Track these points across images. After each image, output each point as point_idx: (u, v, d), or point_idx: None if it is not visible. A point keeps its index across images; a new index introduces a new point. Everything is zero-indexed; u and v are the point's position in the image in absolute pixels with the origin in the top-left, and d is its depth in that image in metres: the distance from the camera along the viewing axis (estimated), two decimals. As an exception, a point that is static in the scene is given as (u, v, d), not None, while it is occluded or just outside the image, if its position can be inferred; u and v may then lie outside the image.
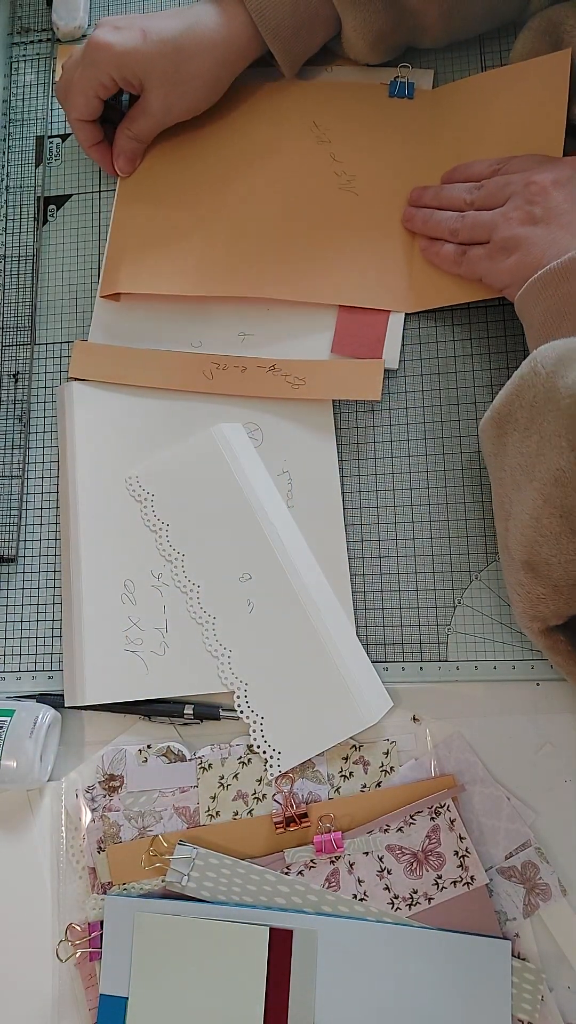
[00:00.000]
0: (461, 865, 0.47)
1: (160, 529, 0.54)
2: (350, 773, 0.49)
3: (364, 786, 0.49)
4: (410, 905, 0.47)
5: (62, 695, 0.53)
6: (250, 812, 0.50)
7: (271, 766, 0.49)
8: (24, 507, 0.58)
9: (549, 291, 0.44)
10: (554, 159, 0.49)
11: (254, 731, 0.50)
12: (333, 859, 0.48)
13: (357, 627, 0.52)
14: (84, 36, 0.65)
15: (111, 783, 0.51)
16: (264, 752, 0.50)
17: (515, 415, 0.43)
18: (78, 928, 0.49)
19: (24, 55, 0.66)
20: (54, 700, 0.53)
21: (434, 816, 0.48)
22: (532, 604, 0.44)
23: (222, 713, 0.51)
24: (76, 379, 0.58)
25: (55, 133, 0.65)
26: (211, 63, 0.55)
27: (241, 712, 0.50)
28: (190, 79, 0.55)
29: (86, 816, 0.51)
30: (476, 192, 0.51)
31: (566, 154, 0.52)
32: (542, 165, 0.49)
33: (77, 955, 0.49)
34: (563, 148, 0.52)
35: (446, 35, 0.56)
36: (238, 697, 0.51)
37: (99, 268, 0.60)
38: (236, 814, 0.50)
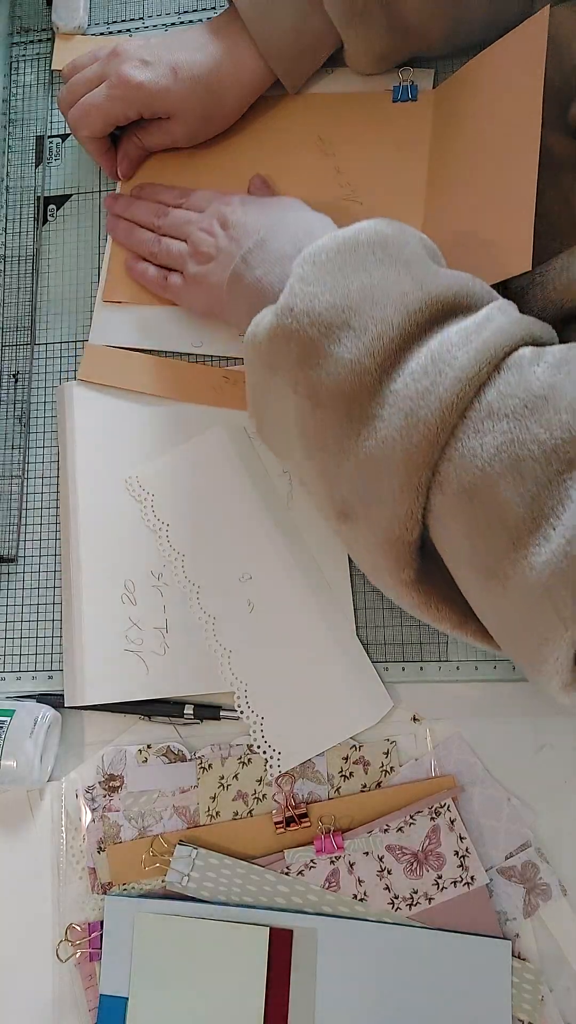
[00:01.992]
0: (461, 865, 0.47)
1: (160, 530, 0.54)
2: (350, 773, 0.49)
3: (364, 786, 0.49)
4: (410, 905, 0.47)
5: (62, 695, 0.53)
6: (250, 812, 0.50)
7: (271, 766, 0.49)
8: (24, 507, 0.58)
9: (238, 304, 0.49)
10: (221, 196, 0.54)
11: (254, 731, 0.50)
12: (333, 859, 0.48)
13: (357, 627, 0.52)
14: (84, 35, 0.65)
15: (111, 783, 0.51)
16: (264, 752, 0.50)
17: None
18: (78, 928, 0.49)
19: (24, 55, 0.66)
20: (54, 700, 0.53)
21: (434, 816, 0.48)
22: (364, 555, 0.43)
23: (222, 713, 0.51)
24: (83, 381, 0.58)
25: (55, 133, 0.65)
26: (236, 101, 0.57)
27: (241, 712, 0.50)
28: (217, 115, 0.57)
29: (86, 816, 0.51)
30: (164, 218, 0.56)
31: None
32: (214, 202, 0.53)
33: (77, 955, 0.49)
34: (541, 115, 0.49)
35: (448, 47, 0.57)
36: (238, 697, 0.51)
37: (99, 268, 0.60)
38: (236, 814, 0.50)
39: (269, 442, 0.48)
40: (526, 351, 0.38)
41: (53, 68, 0.65)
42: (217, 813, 0.50)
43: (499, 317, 0.39)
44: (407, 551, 0.41)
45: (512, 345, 0.38)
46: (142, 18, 0.65)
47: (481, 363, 0.37)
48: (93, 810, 0.51)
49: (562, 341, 0.49)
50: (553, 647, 0.35)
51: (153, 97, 0.54)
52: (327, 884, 0.48)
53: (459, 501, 0.37)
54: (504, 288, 0.54)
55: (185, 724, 0.52)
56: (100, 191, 0.62)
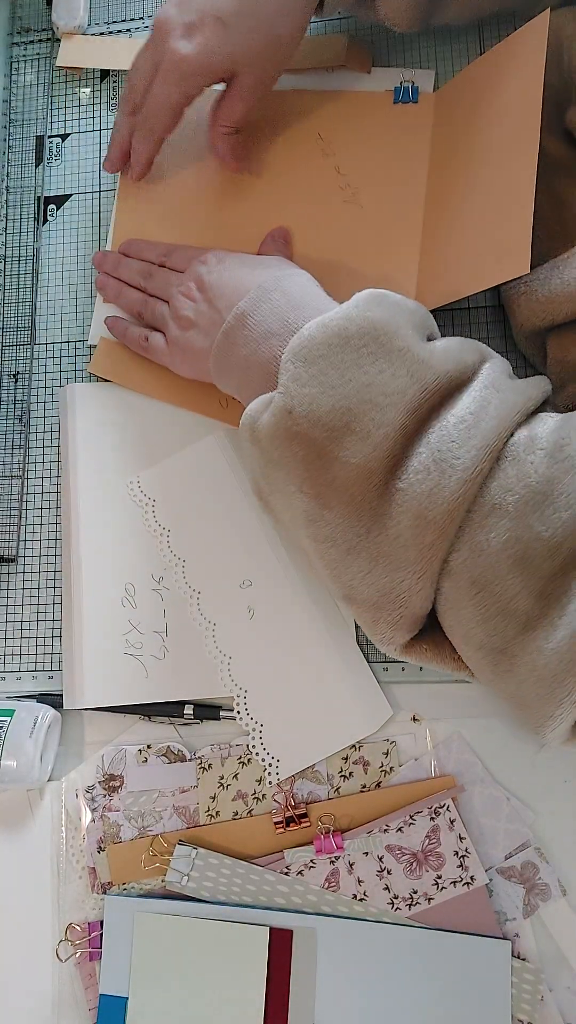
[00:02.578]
0: (461, 865, 0.47)
1: (161, 535, 0.54)
2: (350, 773, 0.49)
3: (364, 786, 0.49)
4: (410, 905, 0.47)
5: (62, 695, 0.53)
6: (250, 812, 0.50)
7: (269, 774, 0.49)
8: (24, 507, 0.58)
9: (227, 377, 0.49)
10: (200, 254, 0.52)
11: (253, 739, 0.50)
12: (333, 859, 0.48)
13: (357, 628, 0.52)
14: (84, 35, 0.65)
15: (111, 783, 0.51)
16: (263, 760, 0.50)
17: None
18: (78, 928, 0.49)
19: (24, 55, 0.66)
20: (54, 700, 0.53)
21: (434, 816, 0.48)
22: (371, 629, 0.44)
23: (222, 713, 0.51)
24: (91, 376, 0.58)
25: (55, 133, 0.65)
26: (290, 28, 0.52)
27: (240, 719, 0.50)
28: (276, 50, 0.52)
29: (86, 816, 0.51)
30: (150, 279, 0.55)
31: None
32: (193, 261, 0.52)
33: (77, 955, 0.49)
34: (540, 120, 0.48)
35: (471, 9, 0.55)
36: (238, 704, 0.50)
37: (99, 268, 0.60)
38: (236, 814, 0.50)
39: (272, 515, 0.47)
40: (521, 437, 0.39)
41: (57, 66, 0.65)
42: (217, 813, 0.50)
43: (494, 399, 0.40)
44: (418, 623, 0.42)
45: (509, 430, 0.39)
46: (142, 18, 0.65)
47: (482, 459, 0.38)
48: (93, 810, 0.51)
49: (547, 350, 0.49)
50: (557, 720, 0.38)
51: (213, 66, 0.51)
52: (327, 884, 0.48)
53: (468, 590, 0.39)
54: (497, 295, 0.55)
55: (185, 724, 0.52)
56: (100, 191, 0.62)
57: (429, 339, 0.45)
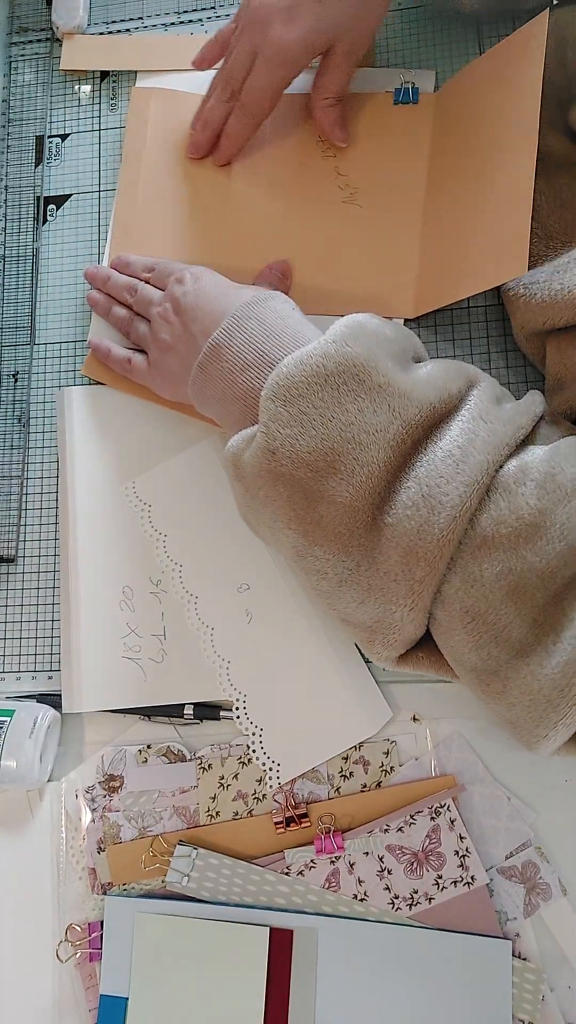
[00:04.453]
0: (461, 865, 0.47)
1: (157, 540, 0.54)
2: (350, 773, 0.49)
3: (364, 786, 0.49)
4: (410, 905, 0.47)
5: (61, 695, 0.53)
6: (250, 812, 0.50)
7: (270, 778, 0.49)
8: (24, 507, 0.58)
9: (206, 407, 0.49)
10: (178, 271, 0.51)
11: (253, 743, 0.50)
12: (333, 859, 0.48)
13: (357, 627, 0.52)
14: (84, 34, 0.65)
15: (111, 783, 0.51)
16: (263, 764, 0.50)
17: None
18: (78, 928, 0.49)
19: (23, 55, 0.66)
20: (54, 700, 0.53)
21: (434, 816, 0.48)
22: (366, 647, 0.44)
23: (222, 713, 0.51)
24: (87, 378, 0.58)
25: (55, 133, 0.65)
26: None
27: (240, 723, 0.50)
28: (369, 7, 0.53)
29: (86, 816, 0.51)
30: (135, 295, 0.55)
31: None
32: (170, 279, 0.52)
33: (77, 955, 0.49)
34: (539, 119, 0.48)
35: None
36: (237, 708, 0.50)
37: (99, 268, 0.60)
38: (236, 814, 0.50)
39: (263, 540, 0.47)
40: (511, 467, 0.39)
41: (61, 68, 0.65)
42: (217, 813, 0.50)
43: (482, 431, 0.40)
44: (413, 642, 0.43)
45: (497, 464, 0.39)
46: (141, 18, 0.65)
47: (470, 495, 0.38)
48: (93, 810, 0.51)
49: (546, 352, 0.49)
50: (550, 741, 0.38)
51: (315, 45, 0.51)
52: (327, 884, 0.48)
53: (462, 618, 0.39)
54: (497, 294, 0.55)
55: (185, 724, 0.52)
56: (100, 191, 0.62)
57: (417, 360, 0.45)
